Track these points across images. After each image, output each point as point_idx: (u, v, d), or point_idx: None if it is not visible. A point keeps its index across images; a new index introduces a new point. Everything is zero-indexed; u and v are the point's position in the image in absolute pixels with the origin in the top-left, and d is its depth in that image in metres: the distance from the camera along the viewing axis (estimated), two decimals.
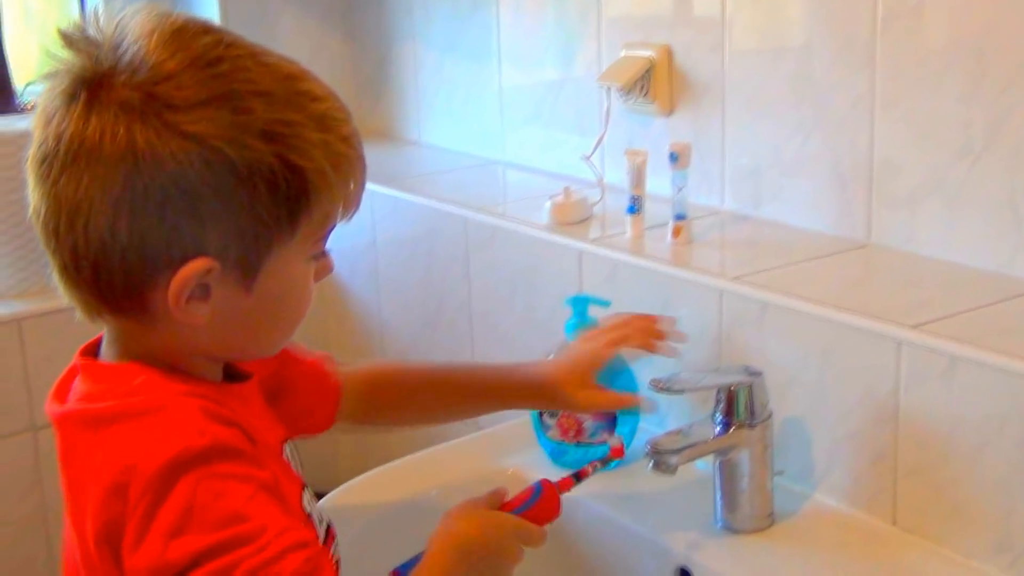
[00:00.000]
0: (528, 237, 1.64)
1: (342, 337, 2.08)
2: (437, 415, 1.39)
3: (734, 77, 1.54)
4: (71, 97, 0.90)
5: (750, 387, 1.25)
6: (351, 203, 0.97)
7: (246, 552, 0.88)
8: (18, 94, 1.87)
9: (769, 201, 1.53)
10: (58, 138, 0.90)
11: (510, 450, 1.50)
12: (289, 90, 0.93)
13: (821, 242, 1.45)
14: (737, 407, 1.25)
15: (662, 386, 1.25)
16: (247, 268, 0.93)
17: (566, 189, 1.63)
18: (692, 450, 1.25)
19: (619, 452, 1.19)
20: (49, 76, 0.92)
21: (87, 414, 0.95)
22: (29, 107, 1.85)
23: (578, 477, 1.17)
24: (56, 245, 0.92)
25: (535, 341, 1.63)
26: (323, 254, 1.00)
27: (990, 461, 1.15)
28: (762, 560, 1.24)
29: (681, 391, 1.28)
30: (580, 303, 1.44)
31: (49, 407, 1.01)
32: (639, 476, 1.34)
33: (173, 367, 0.96)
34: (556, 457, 1.46)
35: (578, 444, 1.43)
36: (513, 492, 1.12)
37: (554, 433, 1.44)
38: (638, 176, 1.52)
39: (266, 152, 0.90)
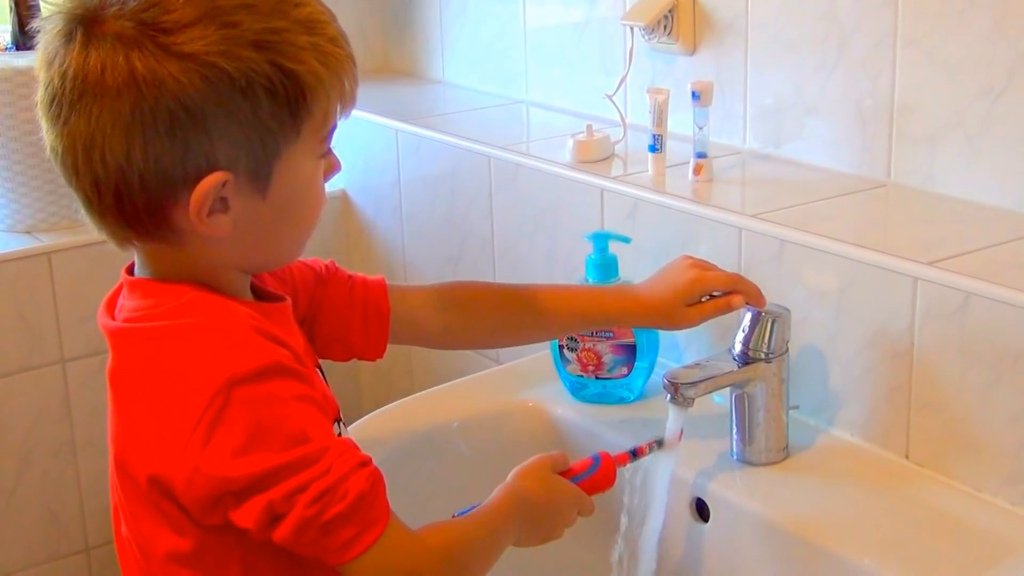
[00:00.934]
0: (550, 174, 1.65)
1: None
2: (526, 333, 1.36)
3: (757, 16, 1.54)
4: (68, 37, 0.93)
5: (775, 320, 1.26)
6: (347, 101, 1.00)
7: (313, 473, 0.93)
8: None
9: (790, 140, 1.54)
10: (62, 77, 0.93)
11: (531, 383, 1.52)
12: (271, 1, 0.95)
13: (841, 181, 1.45)
14: (759, 339, 1.26)
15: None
16: (259, 175, 0.96)
17: (588, 127, 1.64)
18: (709, 383, 1.26)
19: (677, 439, 1.24)
20: (46, 20, 0.96)
21: (141, 330, 0.98)
22: None
23: (635, 455, 1.22)
24: (77, 181, 0.96)
25: (557, 277, 1.65)
26: (328, 152, 1.02)
27: (1002, 396, 1.17)
28: (776, 492, 1.26)
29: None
30: (601, 239, 1.45)
31: (101, 320, 1.04)
32: (656, 408, 1.36)
33: (211, 287, 1.00)
34: (576, 391, 1.48)
35: (597, 378, 1.45)
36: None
37: (574, 368, 1.46)
38: (660, 114, 1.53)
39: (260, 60, 0.93)
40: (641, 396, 1.46)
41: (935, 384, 1.22)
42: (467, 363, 1.66)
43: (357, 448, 0.98)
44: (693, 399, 1.25)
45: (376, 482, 0.96)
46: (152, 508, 0.98)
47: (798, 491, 1.26)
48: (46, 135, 0.97)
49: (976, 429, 1.20)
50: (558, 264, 1.67)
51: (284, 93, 0.94)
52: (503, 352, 1.71)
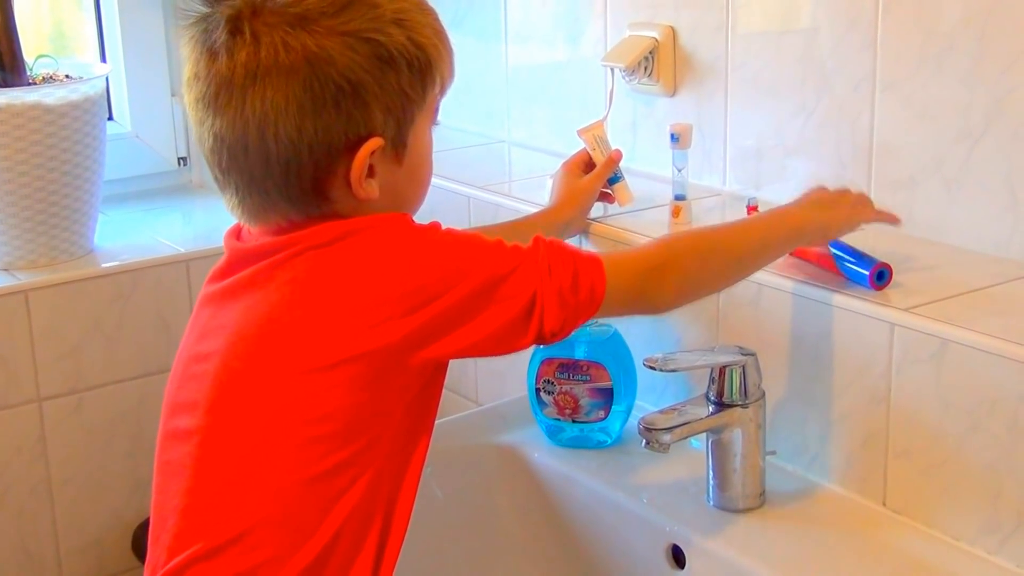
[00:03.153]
0: None
1: None
2: None
3: (737, 58, 1.54)
4: (234, 32, 1.04)
5: (743, 367, 1.26)
6: (452, 72, 1.13)
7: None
8: (28, 67, 1.87)
9: (770, 182, 1.53)
10: (231, 68, 1.03)
11: (508, 426, 1.51)
12: None
13: None
14: (730, 387, 1.26)
15: (655, 365, 1.26)
16: (399, 142, 1.09)
17: None
18: (685, 428, 1.25)
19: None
20: (197, 25, 1.07)
21: (325, 233, 1.07)
22: (39, 80, 1.87)
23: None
24: (244, 162, 1.05)
25: None
26: (437, 122, 1.15)
27: (979, 444, 1.16)
28: (753, 539, 1.25)
29: (674, 370, 1.28)
30: None
31: (232, 247, 1.13)
32: (632, 454, 1.35)
33: None
34: (552, 435, 1.47)
35: (574, 421, 1.44)
36: None
37: (551, 411, 1.45)
38: (601, 145, 1.54)
39: (400, 35, 1.06)
40: (619, 440, 1.44)
41: (912, 430, 1.22)
42: (444, 404, 1.64)
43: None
44: (669, 445, 1.24)
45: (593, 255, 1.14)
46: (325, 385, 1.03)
47: (775, 538, 1.25)
48: (207, 129, 1.06)
49: (953, 476, 1.19)
50: None
51: (418, 64, 1.07)
52: (481, 393, 1.70)
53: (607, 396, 1.43)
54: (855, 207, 1.29)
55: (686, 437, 1.27)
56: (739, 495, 1.29)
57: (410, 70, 1.07)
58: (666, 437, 1.24)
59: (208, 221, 2.11)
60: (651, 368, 1.26)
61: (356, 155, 1.05)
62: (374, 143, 1.06)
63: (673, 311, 1.23)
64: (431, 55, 1.09)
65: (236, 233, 1.15)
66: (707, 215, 1.53)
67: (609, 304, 1.12)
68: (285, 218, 1.08)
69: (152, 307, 1.93)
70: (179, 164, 2.28)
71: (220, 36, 1.04)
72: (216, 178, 1.09)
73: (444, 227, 1.11)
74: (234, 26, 1.04)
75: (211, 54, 1.05)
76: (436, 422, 1.54)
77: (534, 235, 1.12)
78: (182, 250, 1.96)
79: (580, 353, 1.42)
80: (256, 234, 1.11)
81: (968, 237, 1.33)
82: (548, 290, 1.08)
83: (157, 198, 2.21)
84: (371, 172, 1.07)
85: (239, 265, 1.11)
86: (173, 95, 2.24)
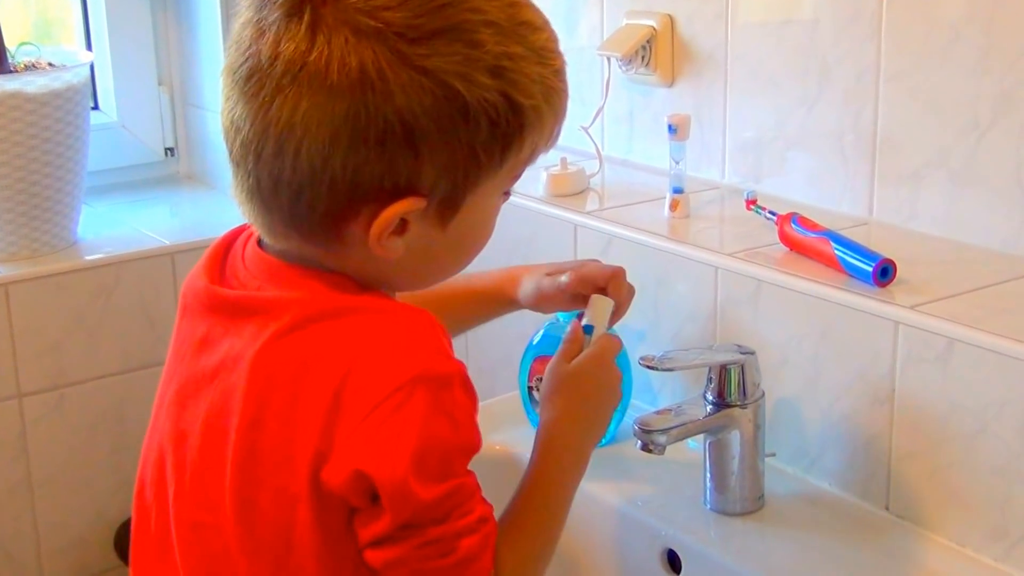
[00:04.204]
0: (523, 208, 1.60)
1: None
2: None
3: (737, 48, 1.51)
4: (292, 13, 0.86)
5: (742, 366, 1.22)
6: (553, 139, 0.95)
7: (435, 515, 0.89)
8: (10, 55, 1.83)
9: (770, 175, 1.50)
10: (274, 56, 0.86)
11: (498, 425, 1.47)
12: (513, 20, 0.89)
13: (821, 218, 1.39)
14: (728, 386, 1.22)
15: (651, 363, 1.22)
16: (451, 205, 0.90)
17: (563, 160, 1.60)
18: (681, 429, 1.22)
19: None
20: None
21: (308, 312, 0.90)
22: (20, 68, 1.83)
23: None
24: (255, 165, 0.89)
25: (528, 314, 1.59)
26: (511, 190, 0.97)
27: (987, 447, 1.12)
28: (751, 543, 1.22)
29: (671, 369, 1.24)
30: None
31: (209, 288, 0.96)
32: (628, 455, 1.32)
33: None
34: None
35: None
36: None
37: None
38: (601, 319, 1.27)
39: (492, 89, 0.87)
40: (612, 440, 1.40)
41: (917, 433, 1.18)
42: None
43: (480, 491, 0.93)
44: (665, 446, 1.20)
45: (487, 546, 0.91)
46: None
47: (773, 543, 1.21)
48: (231, 106, 0.90)
49: (959, 481, 1.16)
50: None
51: (504, 127, 0.88)
52: None
53: None
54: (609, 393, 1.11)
55: (683, 438, 1.23)
56: (737, 498, 1.26)
57: (491, 129, 0.88)
58: (662, 438, 1.20)
59: (195, 213, 2.08)
60: (647, 367, 1.22)
61: (385, 208, 0.88)
62: (411, 204, 0.88)
63: None
64: (528, 118, 0.89)
65: (221, 259, 0.98)
66: (706, 208, 1.49)
67: None
68: (286, 240, 0.93)
69: (136, 301, 1.90)
70: (166, 155, 2.25)
71: (275, 11, 0.86)
72: (229, 154, 0.93)
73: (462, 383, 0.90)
74: (294, 6, 0.86)
75: (259, 28, 0.87)
76: None
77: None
78: (167, 243, 1.93)
79: None
80: (251, 259, 0.96)
81: (975, 233, 1.29)
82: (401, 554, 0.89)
83: (143, 189, 2.19)
84: (402, 228, 0.90)
85: (218, 310, 0.96)
86: (160, 84, 2.22)
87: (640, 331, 1.43)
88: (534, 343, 1.43)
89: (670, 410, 1.24)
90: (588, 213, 1.52)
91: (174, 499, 0.95)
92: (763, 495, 1.27)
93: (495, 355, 1.66)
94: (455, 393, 0.89)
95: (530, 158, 0.94)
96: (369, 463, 0.86)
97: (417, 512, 0.87)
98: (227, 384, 0.92)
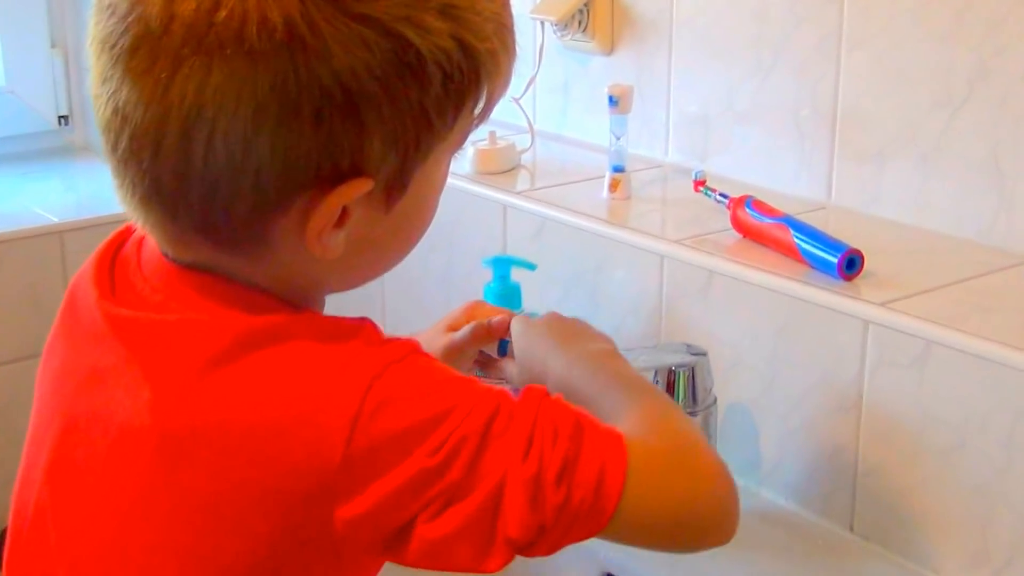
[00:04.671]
0: (447, 187, 1.48)
1: None
2: None
3: (682, 13, 1.43)
4: None
5: (692, 369, 1.17)
6: (507, 84, 0.81)
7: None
8: None
9: (718, 153, 1.42)
10: (167, 19, 0.70)
11: None
12: None
13: (775, 201, 1.32)
14: (676, 392, 1.16)
15: None
16: (398, 183, 0.77)
17: (491, 134, 1.51)
18: None
19: None
20: None
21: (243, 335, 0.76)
22: None
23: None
24: (152, 163, 0.73)
25: (453, 302, 1.50)
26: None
27: (967, 462, 1.07)
28: (697, 567, 1.12)
29: None
30: (502, 264, 1.33)
31: (97, 303, 0.81)
32: None
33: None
34: None
35: None
36: None
37: None
38: None
39: (444, 34, 0.74)
40: None
41: (886, 444, 1.14)
42: None
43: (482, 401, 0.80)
44: None
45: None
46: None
47: (724, 568, 1.14)
48: (108, 90, 0.73)
49: (934, 499, 1.11)
50: (454, 288, 1.57)
51: (458, 78, 0.75)
52: None
53: None
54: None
55: None
56: None
57: (445, 83, 0.74)
58: None
59: (90, 188, 2.01)
60: None
61: (326, 197, 0.74)
62: (356, 187, 0.74)
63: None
64: (483, 65, 0.76)
65: (109, 265, 0.83)
66: (649, 189, 1.41)
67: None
68: (195, 250, 0.78)
69: (23, 283, 1.81)
70: (59, 123, 2.17)
71: None
72: (106, 158, 0.77)
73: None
74: None
75: None
76: None
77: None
78: (56, 220, 1.85)
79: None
80: (150, 268, 0.81)
81: (945, 220, 1.22)
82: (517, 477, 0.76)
83: (34, 161, 2.12)
84: (342, 219, 0.76)
85: (112, 335, 0.80)
86: (53, 46, 2.14)
87: None
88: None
89: None
90: (519, 193, 1.44)
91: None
92: None
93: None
94: (391, 376, 0.75)
95: (486, 113, 0.80)
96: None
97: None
98: (126, 442, 0.77)
